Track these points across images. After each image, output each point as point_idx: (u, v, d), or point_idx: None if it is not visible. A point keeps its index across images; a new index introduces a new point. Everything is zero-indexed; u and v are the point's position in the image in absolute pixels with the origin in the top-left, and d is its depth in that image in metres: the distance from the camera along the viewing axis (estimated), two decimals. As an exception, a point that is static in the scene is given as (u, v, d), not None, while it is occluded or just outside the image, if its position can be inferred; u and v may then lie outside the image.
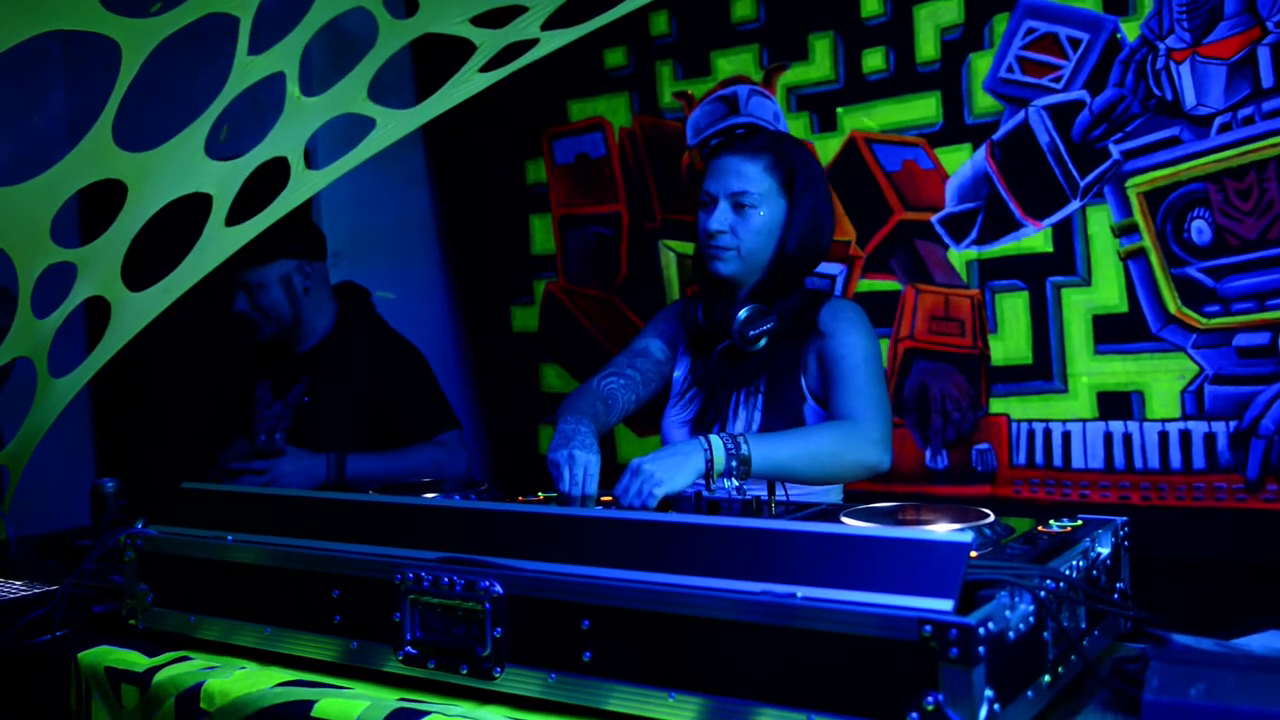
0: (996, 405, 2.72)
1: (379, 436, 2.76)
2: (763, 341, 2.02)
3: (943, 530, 1.28)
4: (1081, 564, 1.28)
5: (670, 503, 1.68)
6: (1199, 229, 2.49)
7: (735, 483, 1.73)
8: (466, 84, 2.62)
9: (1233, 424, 2.46)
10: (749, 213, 2.03)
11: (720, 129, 3.09)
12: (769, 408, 2.01)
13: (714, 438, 1.74)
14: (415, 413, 2.79)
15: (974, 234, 2.73)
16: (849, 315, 2.05)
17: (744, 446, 1.75)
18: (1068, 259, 2.62)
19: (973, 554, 1.14)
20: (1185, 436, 2.51)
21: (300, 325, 2.82)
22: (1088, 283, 2.61)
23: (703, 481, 1.74)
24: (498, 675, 1.26)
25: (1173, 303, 2.51)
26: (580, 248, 3.41)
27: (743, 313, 1.99)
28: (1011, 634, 1.04)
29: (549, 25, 2.56)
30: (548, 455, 1.82)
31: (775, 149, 2.07)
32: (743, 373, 2.05)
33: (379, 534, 1.43)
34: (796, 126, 2.95)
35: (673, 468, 1.69)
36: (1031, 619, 1.09)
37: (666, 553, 1.20)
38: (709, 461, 1.72)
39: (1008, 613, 1.04)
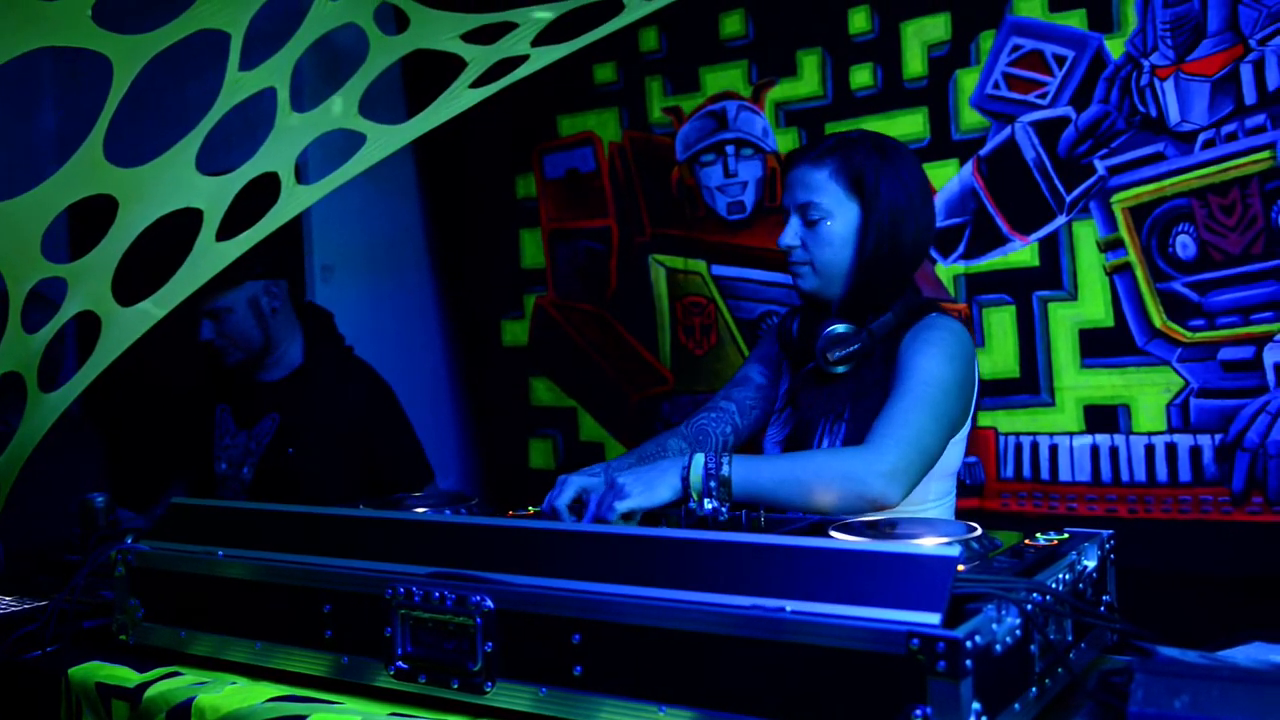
0: (984, 419, 2.74)
1: (367, 486, 2.70)
2: (847, 366, 1.87)
3: (930, 544, 1.29)
4: (1068, 577, 1.29)
5: (656, 518, 1.67)
6: (1184, 244, 2.51)
7: (714, 503, 1.63)
8: (457, 99, 2.63)
9: (1218, 437, 2.47)
10: (819, 224, 1.89)
11: (709, 144, 3.11)
12: (852, 437, 1.84)
13: (697, 455, 1.65)
14: (404, 465, 2.75)
15: (961, 249, 2.75)
16: (930, 337, 1.85)
17: (725, 467, 1.64)
18: (1054, 273, 2.64)
19: (960, 567, 1.15)
20: (1171, 450, 2.53)
21: (271, 350, 2.75)
22: (1074, 297, 2.62)
23: (691, 500, 1.67)
24: (489, 690, 1.26)
25: (1158, 317, 2.53)
26: (570, 262, 3.42)
27: (828, 332, 1.86)
28: (998, 647, 1.05)
29: (539, 41, 2.57)
30: None
31: (842, 151, 1.89)
32: (829, 397, 1.90)
33: (370, 549, 1.44)
34: (785, 142, 2.97)
35: (647, 484, 1.63)
36: (1018, 632, 1.10)
37: (657, 567, 1.21)
38: (685, 480, 1.64)
39: (995, 626, 1.05)
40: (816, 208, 1.89)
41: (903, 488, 1.67)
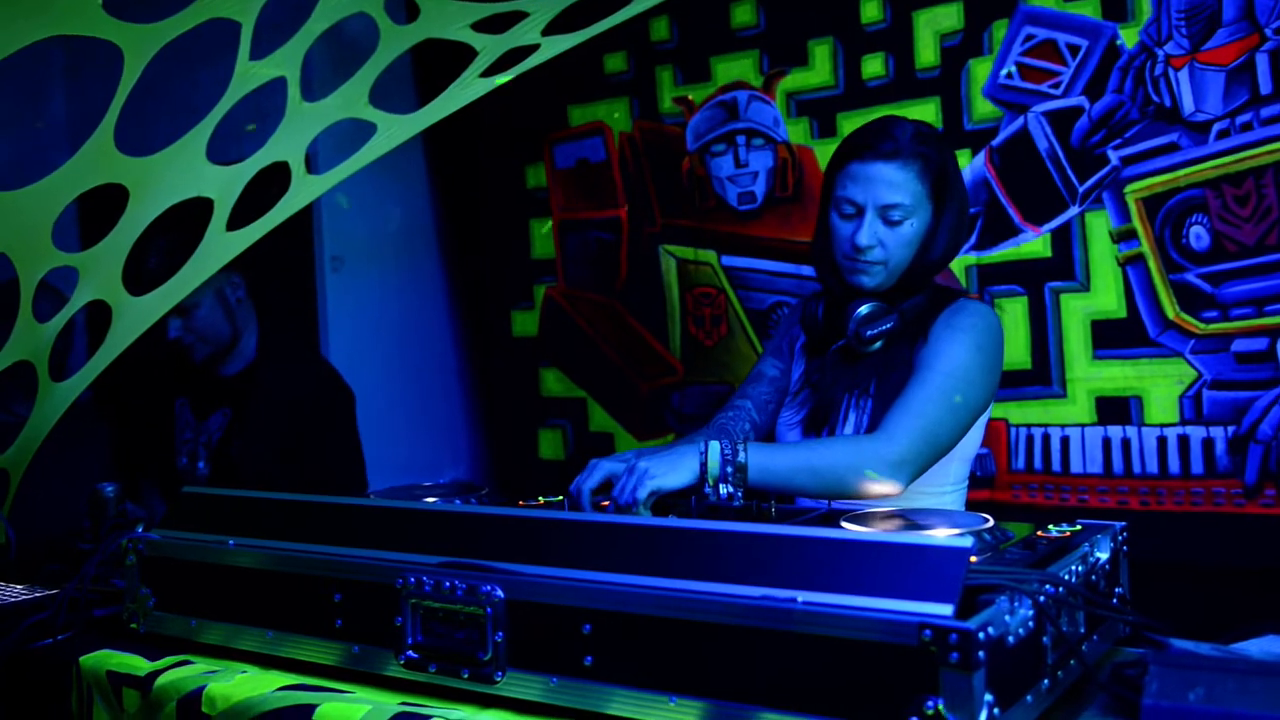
0: (995, 410, 2.73)
1: (298, 485, 2.62)
2: (879, 343, 1.87)
3: (942, 535, 1.29)
4: (1080, 569, 1.28)
5: (668, 506, 1.67)
6: (1197, 235, 2.50)
7: (729, 489, 1.65)
8: (467, 89, 2.63)
9: (1231, 429, 2.46)
10: (899, 225, 1.85)
11: (720, 134, 3.10)
12: (878, 412, 1.85)
13: (713, 442, 1.67)
14: (336, 476, 2.69)
15: (973, 239, 2.74)
16: (961, 323, 1.87)
17: (741, 454, 1.66)
18: (1066, 264, 2.63)
19: (972, 559, 1.14)
20: (1184, 441, 2.52)
21: (235, 343, 2.71)
22: (1086, 288, 2.61)
23: (706, 485, 1.68)
24: (499, 679, 1.26)
25: (1171, 308, 2.52)
26: (580, 252, 3.41)
27: (861, 310, 1.86)
28: (1011, 638, 1.05)
29: (550, 31, 2.57)
30: None
31: (923, 152, 1.86)
32: (855, 374, 1.91)
33: (380, 538, 1.44)
34: (796, 132, 2.96)
35: (667, 467, 1.64)
36: (1031, 623, 1.09)
37: (668, 557, 1.20)
38: (703, 465, 1.65)
39: (1007, 617, 1.05)
40: (902, 208, 1.84)
41: (908, 477, 1.72)
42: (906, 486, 1.72)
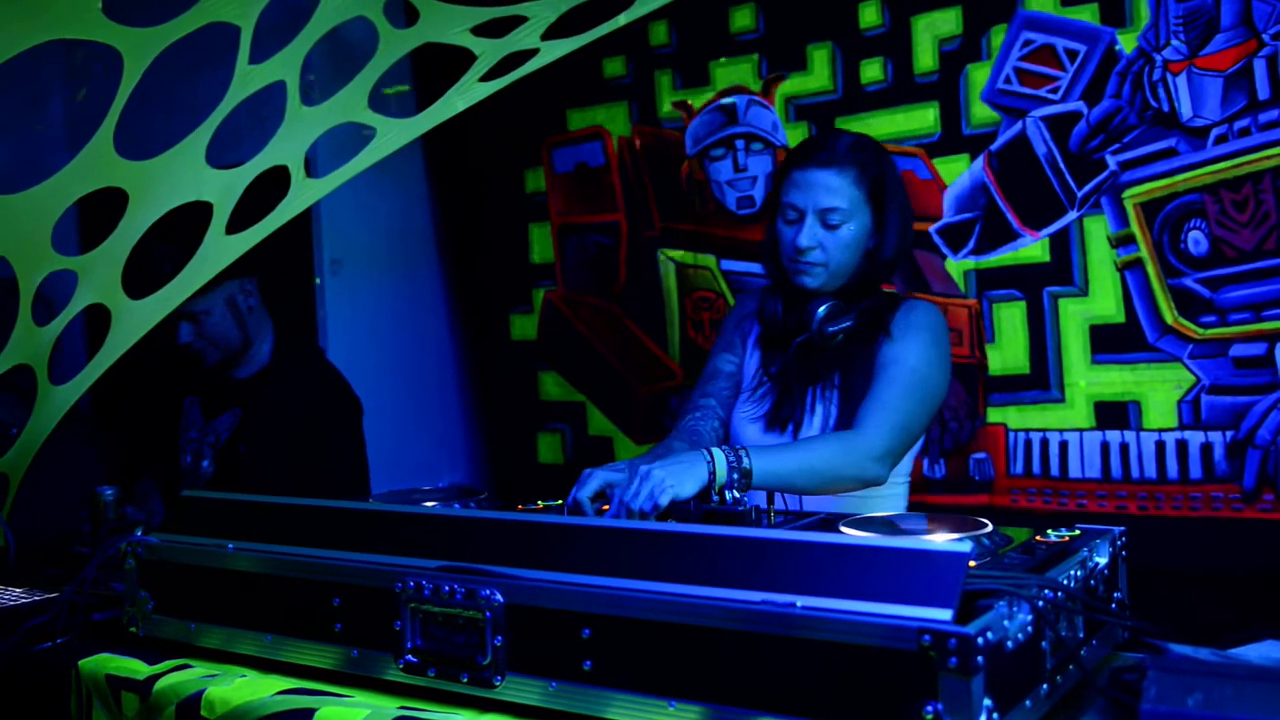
0: (994, 415, 2.73)
1: (301, 491, 2.64)
2: (840, 338, 2.00)
3: (941, 540, 1.29)
4: (1079, 574, 1.29)
5: (668, 513, 1.68)
6: (1195, 240, 2.50)
7: (735, 494, 1.72)
8: (466, 93, 2.63)
9: (1229, 434, 2.47)
10: (838, 229, 1.99)
11: (719, 138, 3.10)
12: (845, 403, 2.01)
13: (716, 450, 1.73)
14: (342, 486, 2.68)
15: (972, 244, 2.74)
16: (916, 320, 2.03)
17: (745, 460, 1.73)
18: (1065, 269, 2.64)
19: (971, 564, 1.15)
20: (1182, 446, 2.52)
21: (248, 348, 2.72)
22: (1085, 293, 2.62)
23: (713, 494, 1.73)
24: (498, 684, 1.26)
25: (1169, 313, 2.52)
26: (579, 256, 3.42)
27: (822, 309, 1.98)
28: (1010, 643, 1.05)
29: (549, 35, 2.57)
30: None
31: (859, 160, 2.01)
32: (818, 368, 2.05)
33: (379, 542, 1.44)
34: (795, 136, 2.97)
35: (679, 475, 1.68)
36: (1030, 628, 1.10)
37: (667, 562, 1.21)
38: (711, 473, 1.71)
39: (1006, 622, 1.05)
40: (839, 212, 1.98)
41: (889, 468, 1.91)
42: (888, 477, 1.91)
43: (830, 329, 1.98)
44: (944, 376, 2.05)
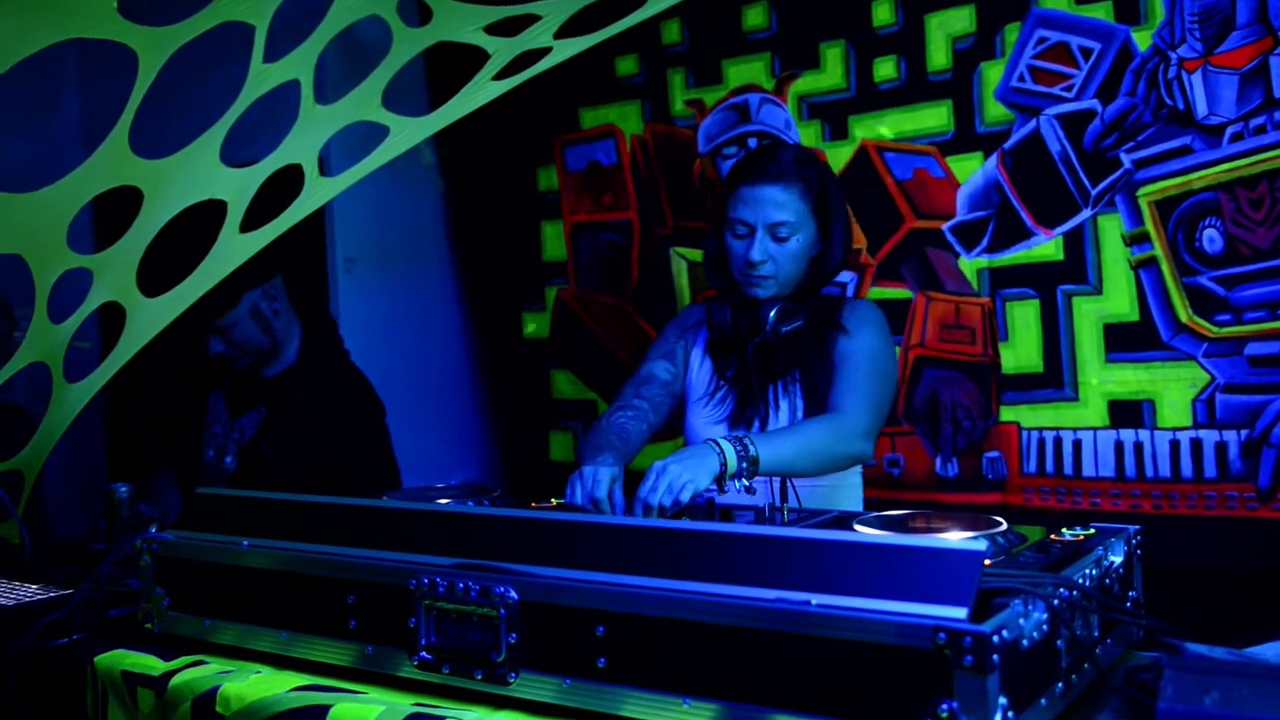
0: (1007, 413, 2.72)
1: (324, 491, 2.65)
2: (792, 337, 2.10)
3: (957, 538, 1.29)
4: (1094, 572, 1.28)
5: (682, 509, 1.69)
6: (1210, 238, 2.49)
7: (745, 483, 1.79)
8: (479, 92, 2.63)
9: (1244, 433, 2.46)
10: (787, 241, 2.10)
11: (731, 137, 3.10)
12: (809, 395, 2.11)
13: (723, 441, 1.79)
14: (372, 486, 2.68)
15: (985, 242, 2.73)
16: (864, 315, 2.18)
17: (751, 448, 1.81)
18: (1079, 267, 2.63)
19: (986, 562, 1.14)
20: (1196, 445, 2.51)
21: (278, 350, 2.75)
22: (1099, 291, 2.61)
23: (715, 485, 1.77)
24: (512, 681, 1.26)
25: (1184, 312, 2.52)
26: (592, 254, 3.42)
27: (774, 312, 2.07)
28: (1025, 642, 1.05)
29: (561, 34, 2.57)
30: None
31: (804, 174, 2.11)
32: (776, 366, 2.14)
33: (394, 540, 1.44)
34: (808, 135, 2.96)
35: (694, 468, 1.73)
36: (1045, 627, 1.09)
37: (681, 559, 1.21)
38: (723, 464, 1.77)
39: (1022, 621, 1.05)
40: (788, 225, 2.09)
41: (873, 444, 2.04)
42: (872, 453, 2.04)
43: (784, 329, 2.07)
44: (895, 364, 2.26)
